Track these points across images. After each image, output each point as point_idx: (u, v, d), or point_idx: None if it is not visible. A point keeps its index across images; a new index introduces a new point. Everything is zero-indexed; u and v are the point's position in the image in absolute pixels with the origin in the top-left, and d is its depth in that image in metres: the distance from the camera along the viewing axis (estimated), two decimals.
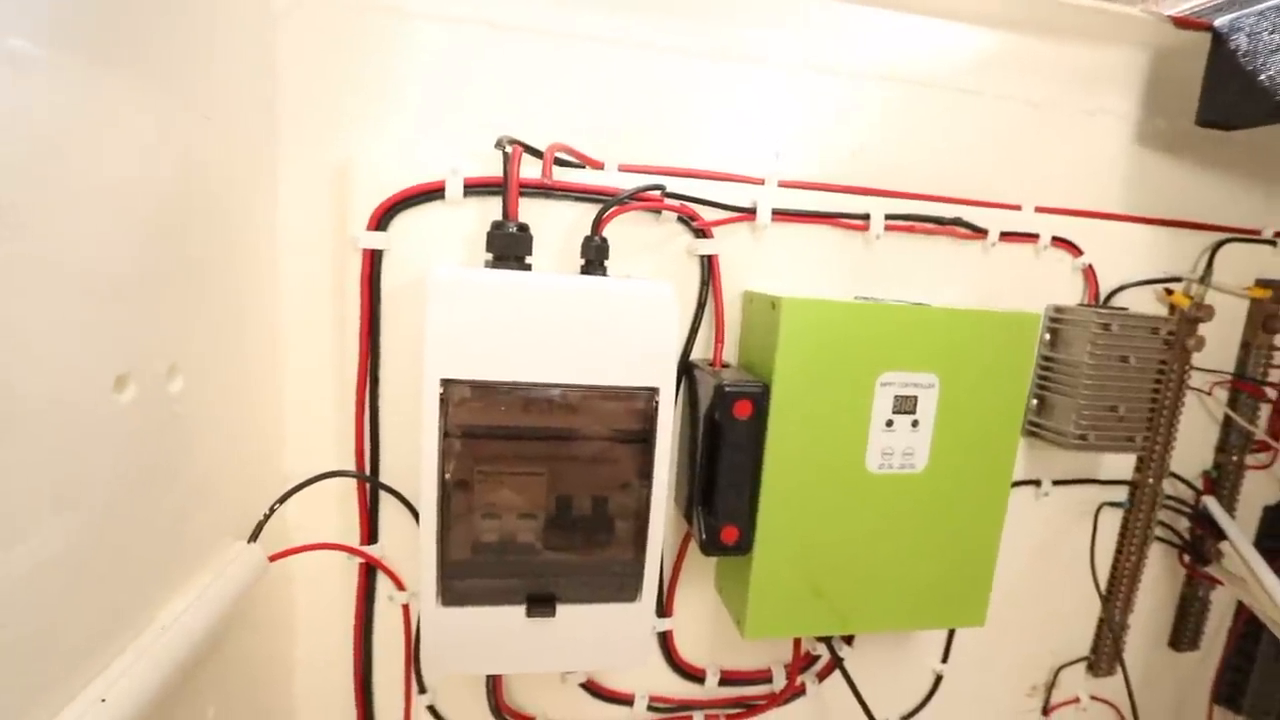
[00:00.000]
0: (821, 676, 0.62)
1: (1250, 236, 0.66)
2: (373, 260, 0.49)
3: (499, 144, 0.48)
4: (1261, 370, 0.66)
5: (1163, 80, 0.63)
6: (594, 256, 0.49)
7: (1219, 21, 0.58)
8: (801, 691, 0.62)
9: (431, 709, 0.56)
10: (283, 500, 0.47)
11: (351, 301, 0.49)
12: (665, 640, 0.58)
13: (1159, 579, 0.70)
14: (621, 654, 0.47)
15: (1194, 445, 0.68)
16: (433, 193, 0.49)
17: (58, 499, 0.29)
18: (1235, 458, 0.68)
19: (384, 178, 0.48)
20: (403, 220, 0.49)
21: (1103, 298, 0.63)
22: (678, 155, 0.55)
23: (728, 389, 0.46)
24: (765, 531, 0.49)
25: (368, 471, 0.51)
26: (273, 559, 0.46)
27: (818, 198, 0.56)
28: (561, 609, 0.44)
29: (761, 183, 0.56)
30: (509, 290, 0.42)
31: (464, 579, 0.43)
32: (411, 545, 0.53)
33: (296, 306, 0.50)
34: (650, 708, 0.59)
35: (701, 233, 0.53)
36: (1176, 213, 0.65)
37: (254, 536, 0.46)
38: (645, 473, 0.44)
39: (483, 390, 0.41)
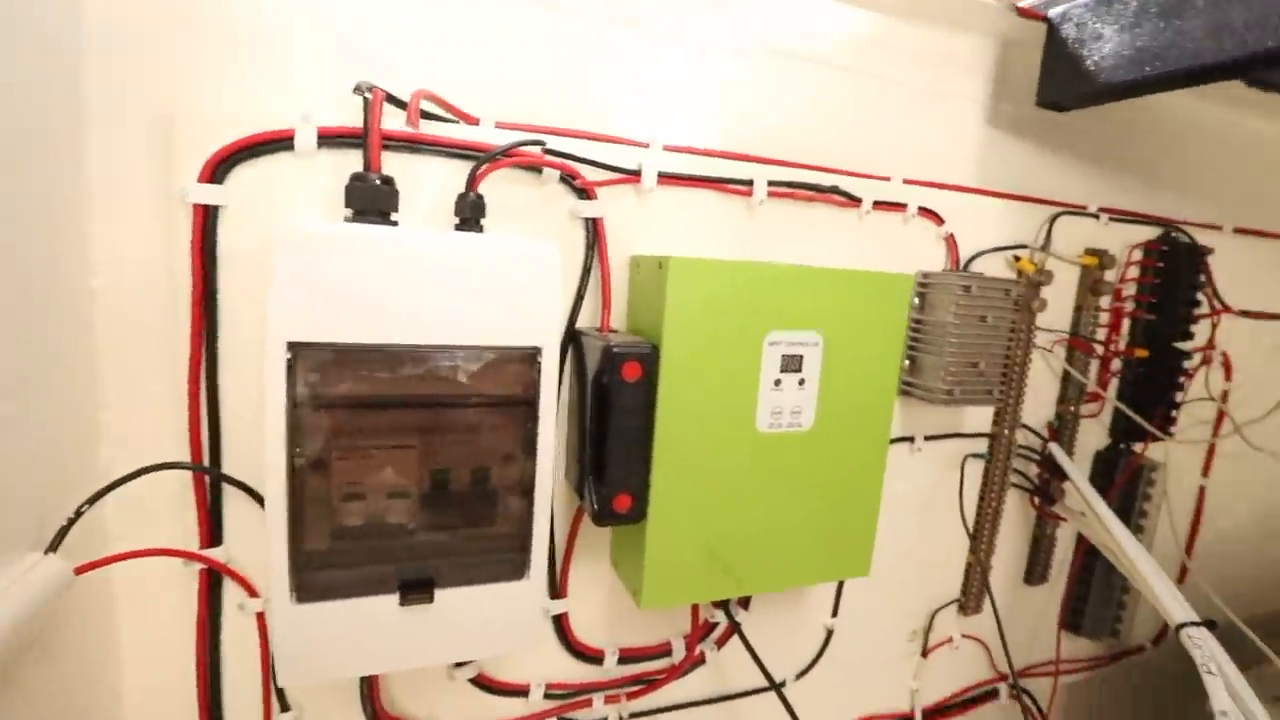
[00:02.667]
0: (720, 643, 0.62)
1: (1079, 210, 0.73)
2: (206, 217, 0.42)
3: (358, 88, 0.43)
4: (1091, 329, 0.74)
5: (1009, 66, 0.68)
6: (470, 214, 0.45)
7: (1053, 11, 0.64)
8: (701, 661, 0.62)
9: None
10: (93, 501, 0.40)
11: (182, 265, 0.42)
12: (560, 623, 0.56)
13: (1014, 521, 0.77)
14: (511, 637, 0.44)
15: (1040, 398, 0.75)
16: (280, 142, 0.43)
17: None
18: (1073, 408, 0.75)
19: (220, 125, 0.42)
20: (243, 173, 0.43)
21: (963, 263, 0.68)
22: (560, 117, 0.53)
23: (615, 350, 0.44)
24: (658, 497, 0.48)
25: (206, 462, 0.44)
26: (79, 571, 0.39)
27: (703, 163, 0.55)
28: (441, 593, 0.40)
29: (646, 146, 0.54)
30: (371, 245, 0.37)
31: (323, 570, 0.38)
32: (264, 544, 0.46)
33: (113, 273, 0.42)
34: (548, 695, 0.56)
35: (585, 194, 0.51)
36: (1022, 188, 0.71)
37: (54, 546, 0.38)
38: (530, 440, 0.41)
39: (340, 355, 0.36)
